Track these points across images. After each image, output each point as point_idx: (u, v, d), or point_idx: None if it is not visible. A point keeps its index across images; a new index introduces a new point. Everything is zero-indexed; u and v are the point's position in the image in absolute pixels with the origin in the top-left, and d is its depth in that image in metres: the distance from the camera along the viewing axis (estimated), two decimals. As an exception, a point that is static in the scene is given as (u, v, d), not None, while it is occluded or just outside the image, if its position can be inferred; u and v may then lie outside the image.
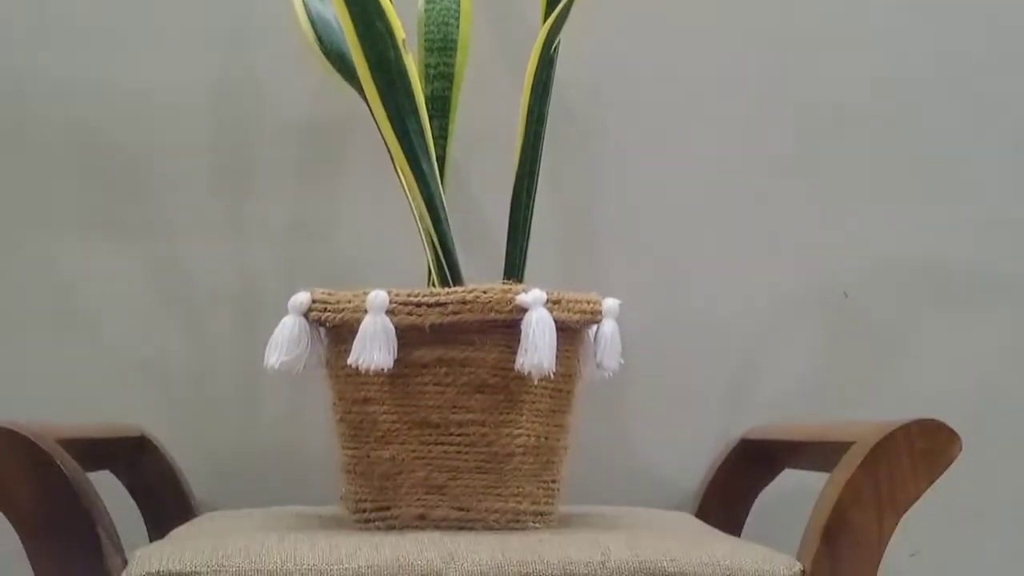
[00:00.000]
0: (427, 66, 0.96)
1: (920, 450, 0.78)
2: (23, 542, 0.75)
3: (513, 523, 0.83)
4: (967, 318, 1.14)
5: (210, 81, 1.12)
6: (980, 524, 1.13)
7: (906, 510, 0.78)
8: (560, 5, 0.87)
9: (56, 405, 1.07)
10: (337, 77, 0.94)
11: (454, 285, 0.88)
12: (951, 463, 0.79)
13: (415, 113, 0.86)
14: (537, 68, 0.89)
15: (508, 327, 0.81)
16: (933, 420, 0.79)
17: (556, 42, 0.89)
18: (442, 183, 0.90)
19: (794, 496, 0.95)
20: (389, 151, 0.87)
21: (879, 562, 0.77)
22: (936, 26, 1.16)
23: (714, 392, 1.12)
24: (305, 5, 0.95)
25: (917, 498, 0.79)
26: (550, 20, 0.87)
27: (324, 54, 0.94)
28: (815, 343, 1.14)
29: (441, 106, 0.95)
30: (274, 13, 1.00)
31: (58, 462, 0.74)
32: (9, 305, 1.10)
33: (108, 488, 0.90)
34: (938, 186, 1.15)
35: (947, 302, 1.14)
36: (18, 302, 1.10)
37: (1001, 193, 1.15)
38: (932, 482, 0.79)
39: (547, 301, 0.81)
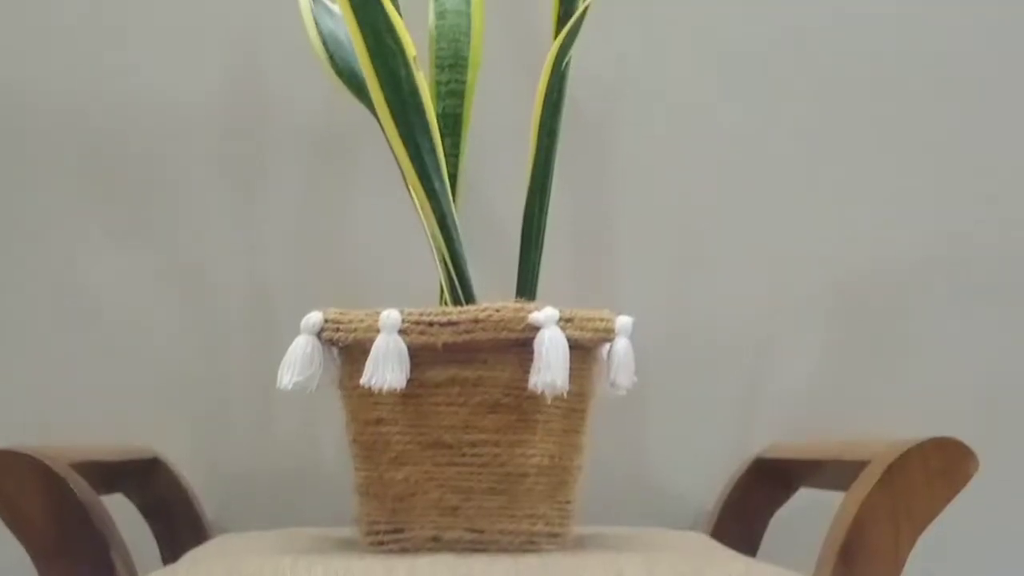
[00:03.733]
0: (438, 83, 0.96)
1: (936, 468, 0.78)
2: (36, 566, 0.75)
3: (527, 545, 0.82)
4: (982, 320, 1.13)
5: (220, 91, 1.12)
6: (998, 540, 1.12)
7: (923, 529, 0.78)
8: (571, 20, 0.86)
9: (67, 420, 1.07)
10: (348, 94, 0.94)
11: (466, 303, 0.87)
12: (968, 481, 0.79)
13: (427, 131, 0.85)
14: (548, 84, 0.88)
15: (521, 345, 0.80)
16: (948, 438, 0.78)
17: (567, 58, 0.89)
18: (454, 201, 0.90)
19: (810, 515, 0.94)
20: (401, 169, 0.87)
21: (897, 582, 0.77)
22: (941, 23, 1.15)
23: (728, 408, 1.12)
24: (316, 22, 0.95)
25: (934, 516, 0.78)
26: (561, 36, 0.87)
27: (335, 71, 0.94)
28: (829, 354, 1.13)
29: (453, 123, 0.95)
30: (286, 23, 1.00)
31: (71, 486, 0.74)
32: (19, 319, 1.10)
33: (121, 511, 0.90)
34: (947, 185, 1.14)
35: (961, 304, 1.13)
36: (28, 317, 1.10)
37: (1015, 189, 1.14)
38: (949, 500, 0.79)
39: (560, 319, 0.80)
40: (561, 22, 0.90)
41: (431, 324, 0.81)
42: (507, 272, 0.92)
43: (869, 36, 1.15)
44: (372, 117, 0.88)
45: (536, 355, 0.79)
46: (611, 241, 1.14)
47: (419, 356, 0.81)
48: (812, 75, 1.14)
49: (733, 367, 1.12)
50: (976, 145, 1.15)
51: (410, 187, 0.88)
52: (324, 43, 0.94)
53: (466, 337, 0.80)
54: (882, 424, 1.09)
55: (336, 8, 0.93)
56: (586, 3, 0.86)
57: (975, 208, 1.14)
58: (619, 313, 0.85)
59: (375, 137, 0.89)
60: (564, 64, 0.89)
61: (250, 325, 1.11)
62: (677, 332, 1.12)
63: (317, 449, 1.09)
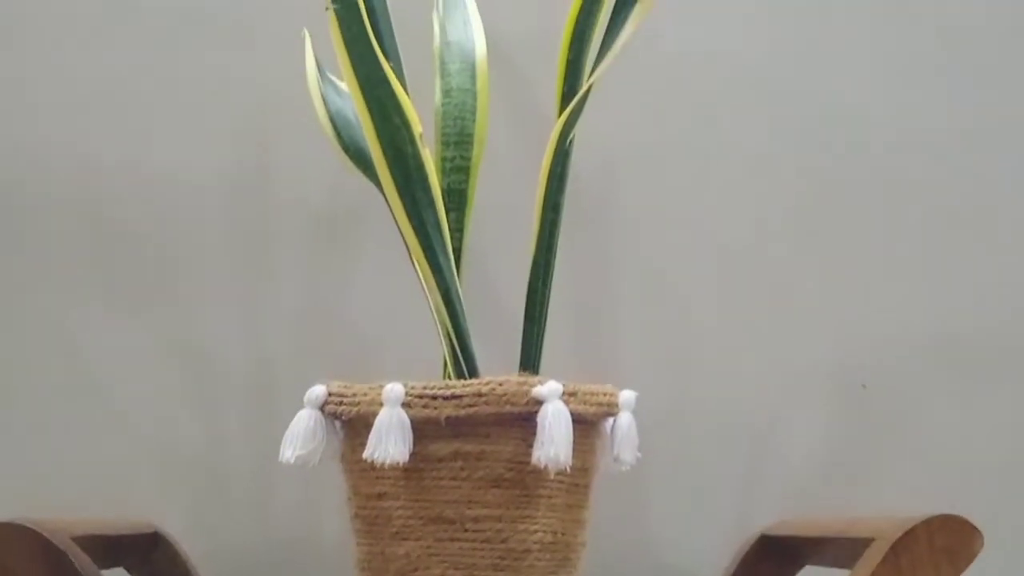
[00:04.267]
0: (444, 159, 0.97)
1: (941, 546, 0.77)
2: (35, 641, 0.74)
3: (530, 621, 0.81)
4: (985, 397, 1.13)
5: (229, 166, 1.13)
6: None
7: (929, 607, 0.77)
8: (575, 99, 0.87)
9: (68, 493, 1.07)
10: (355, 170, 0.95)
11: (470, 377, 0.87)
12: (973, 559, 0.78)
13: (432, 206, 0.86)
14: (552, 160, 0.89)
15: (524, 420, 0.80)
16: (954, 516, 0.78)
17: (571, 135, 0.90)
18: (458, 275, 0.90)
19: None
20: (406, 243, 0.88)
21: (903, 662, 0.76)
22: (941, 101, 1.16)
23: (731, 483, 1.11)
24: (324, 100, 0.96)
25: (941, 595, 0.77)
26: (565, 114, 0.88)
27: (343, 148, 0.95)
28: (832, 430, 1.13)
29: (457, 199, 0.96)
30: (295, 101, 1.02)
31: (73, 560, 0.74)
32: (21, 393, 1.10)
33: (121, 584, 0.90)
34: (953, 262, 1.15)
35: (964, 381, 1.13)
36: (30, 390, 1.10)
37: (1018, 267, 1.15)
38: (956, 579, 0.78)
39: (563, 393, 0.80)
40: (565, 100, 0.91)
41: (434, 397, 0.81)
42: (510, 346, 0.92)
43: (864, 132, 1.15)
44: (378, 192, 0.89)
45: (539, 429, 0.79)
46: (614, 316, 1.14)
47: (422, 430, 0.81)
48: (816, 154, 1.15)
49: (736, 442, 1.11)
50: (975, 228, 1.15)
51: (415, 261, 0.88)
52: (332, 120, 0.96)
53: (469, 411, 0.80)
54: (885, 500, 1.08)
55: (344, 86, 0.94)
56: (589, 82, 0.87)
57: (975, 288, 1.14)
58: (622, 388, 0.85)
59: (381, 212, 0.90)
60: (568, 141, 0.90)
61: (252, 398, 1.11)
62: (680, 407, 1.11)
63: (318, 524, 1.08)
